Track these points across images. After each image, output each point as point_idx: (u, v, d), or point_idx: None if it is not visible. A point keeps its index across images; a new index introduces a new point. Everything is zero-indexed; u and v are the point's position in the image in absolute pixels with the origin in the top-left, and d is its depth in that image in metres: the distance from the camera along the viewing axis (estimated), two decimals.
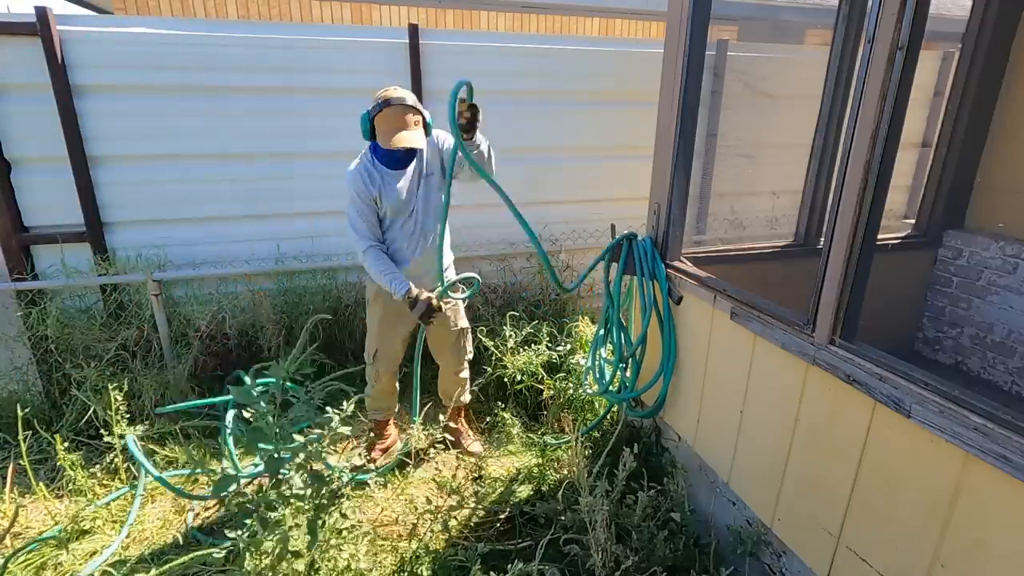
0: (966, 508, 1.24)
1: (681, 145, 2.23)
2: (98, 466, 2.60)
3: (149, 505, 2.50)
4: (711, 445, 2.20)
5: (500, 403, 3.15)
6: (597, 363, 2.64)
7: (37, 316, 2.94)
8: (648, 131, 2.44)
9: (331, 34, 3.24)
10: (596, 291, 3.96)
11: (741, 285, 1.99)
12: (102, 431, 2.53)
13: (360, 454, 2.83)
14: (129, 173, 3.11)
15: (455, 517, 2.26)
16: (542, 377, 3.09)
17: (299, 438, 1.72)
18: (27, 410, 2.53)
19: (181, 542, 2.20)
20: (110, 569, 2.06)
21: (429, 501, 2.33)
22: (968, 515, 1.24)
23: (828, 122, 2.62)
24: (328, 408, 1.86)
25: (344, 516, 1.86)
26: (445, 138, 2.46)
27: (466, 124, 2.17)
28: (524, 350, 3.17)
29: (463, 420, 2.96)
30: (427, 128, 2.34)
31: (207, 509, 2.48)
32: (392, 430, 2.88)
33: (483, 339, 3.23)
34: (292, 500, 1.72)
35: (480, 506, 2.37)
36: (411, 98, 2.26)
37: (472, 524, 2.32)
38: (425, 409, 2.74)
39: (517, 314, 3.41)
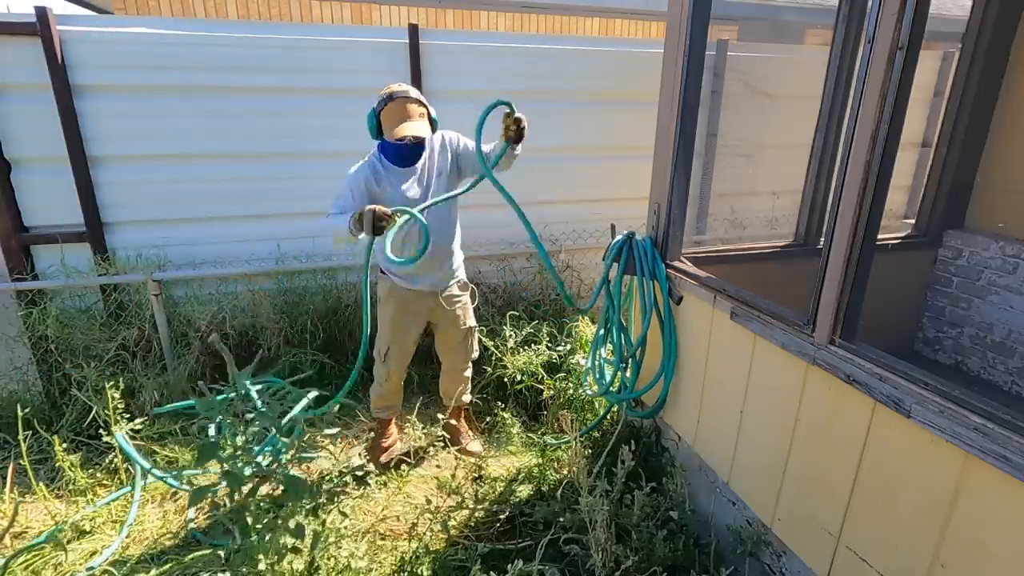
0: (966, 508, 1.24)
1: (681, 145, 2.23)
2: (98, 466, 2.60)
3: (149, 505, 2.50)
4: (711, 445, 2.20)
5: (500, 403, 3.16)
6: (597, 363, 2.64)
7: (37, 316, 2.94)
8: (648, 131, 2.44)
9: (331, 34, 3.24)
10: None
11: (741, 285, 1.99)
12: (102, 431, 2.53)
13: (360, 454, 2.83)
14: (129, 173, 3.11)
15: (455, 517, 2.26)
16: (542, 377, 3.09)
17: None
18: (27, 410, 2.53)
19: (181, 542, 2.19)
20: (110, 569, 2.06)
21: (429, 501, 2.33)
22: (968, 515, 1.24)
23: (828, 122, 2.62)
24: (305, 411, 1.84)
25: (343, 514, 1.86)
26: (459, 140, 2.47)
27: (514, 136, 2.19)
28: (524, 350, 3.17)
29: (463, 420, 2.96)
30: (433, 124, 2.34)
31: (206, 511, 2.48)
32: (393, 429, 2.88)
33: (483, 339, 3.23)
34: (277, 501, 1.71)
35: (480, 506, 2.37)
36: (415, 92, 2.28)
37: (472, 524, 2.32)
38: (417, 407, 2.74)
39: (517, 314, 3.41)
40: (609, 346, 2.55)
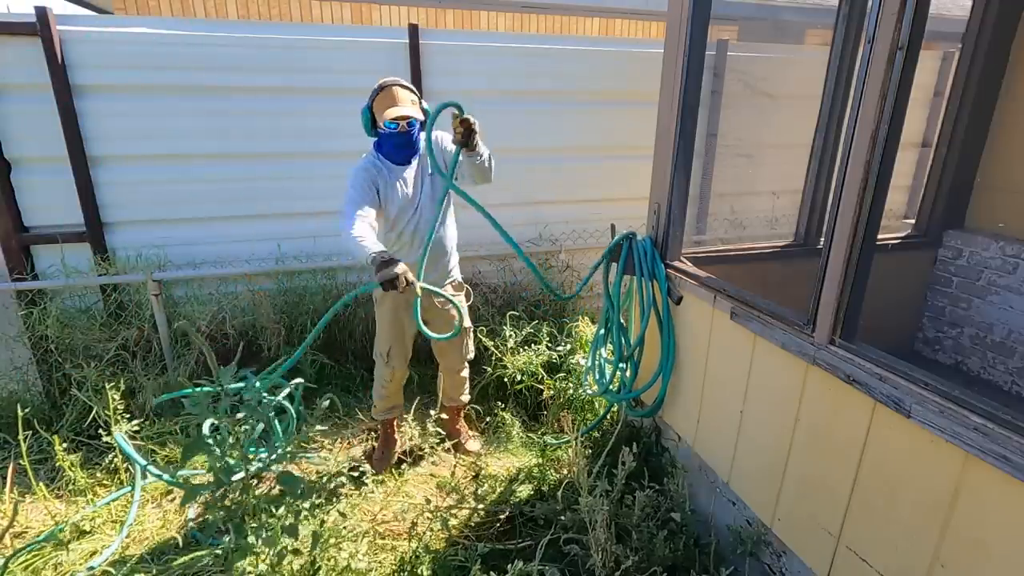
0: (966, 508, 1.24)
1: (681, 145, 2.23)
2: (98, 466, 2.60)
3: (149, 505, 2.50)
4: (711, 445, 2.20)
5: (500, 403, 3.16)
6: (597, 363, 2.64)
7: (37, 316, 2.94)
8: (648, 131, 2.44)
9: (331, 34, 3.24)
10: (596, 291, 3.94)
11: (741, 285, 1.99)
12: (102, 431, 2.53)
13: (360, 455, 2.83)
14: (129, 173, 3.11)
15: (455, 516, 2.26)
16: (542, 377, 3.09)
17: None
18: (27, 410, 2.53)
19: (181, 542, 2.19)
20: (110, 569, 2.06)
21: (428, 500, 2.33)
22: (968, 515, 1.24)
23: (828, 122, 2.62)
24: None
25: (343, 515, 1.86)
26: (443, 141, 2.45)
27: (462, 139, 2.15)
28: (524, 350, 3.17)
29: (461, 419, 2.96)
30: (425, 113, 2.35)
31: (207, 511, 2.48)
32: (395, 429, 2.88)
33: (483, 339, 3.23)
34: (274, 501, 1.71)
35: (480, 506, 2.37)
36: (404, 81, 2.31)
37: (472, 524, 2.31)
38: (415, 407, 2.73)
39: (517, 314, 3.41)
40: (609, 346, 2.55)
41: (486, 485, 2.52)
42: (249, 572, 1.68)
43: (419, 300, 2.34)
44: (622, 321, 2.47)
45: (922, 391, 1.31)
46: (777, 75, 3.98)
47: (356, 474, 2.37)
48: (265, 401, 1.74)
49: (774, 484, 1.82)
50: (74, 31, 2.85)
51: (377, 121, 2.28)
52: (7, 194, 2.92)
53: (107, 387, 2.53)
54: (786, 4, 7.03)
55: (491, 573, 1.82)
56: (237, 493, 1.68)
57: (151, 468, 2.23)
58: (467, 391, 2.90)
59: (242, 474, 1.66)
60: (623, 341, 2.43)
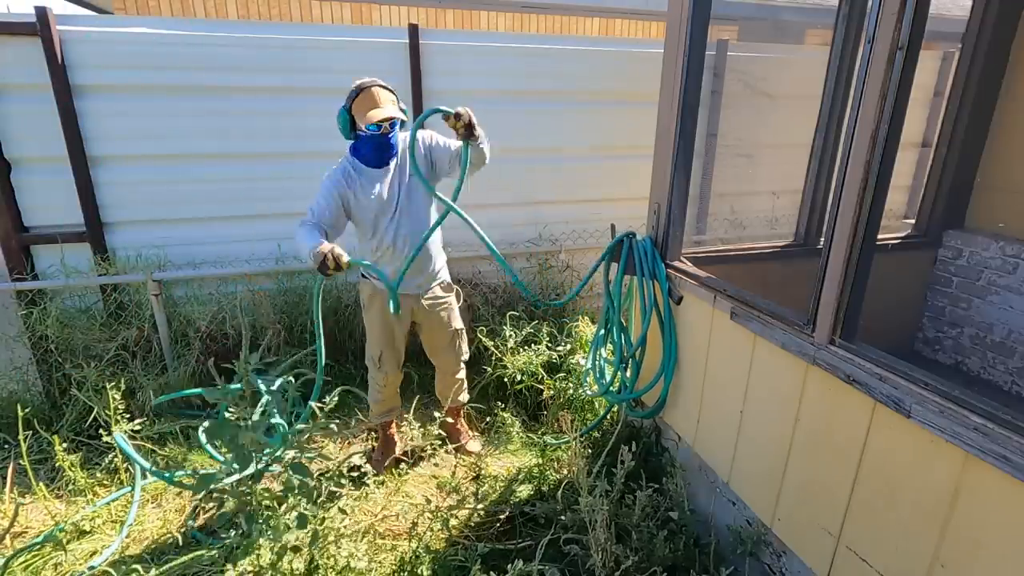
0: (966, 508, 1.24)
1: (681, 145, 2.23)
2: (98, 466, 2.60)
3: (149, 505, 2.50)
4: (711, 445, 2.20)
5: (500, 403, 3.16)
6: (597, 363, 2.64)
7: (37, 316, 2.94)
8: (648, 131, 2.44)
9: (331, 34, 3.24)
10: (596, 291, 3.95)
11: (741, 285, 1.99)
12: (102, 431, 2.53)
13: (362, 455, 2.83)
14: (129, 173, 3.11)
15: (455, 516, 2.26)
16: (542, 377, 3.09)
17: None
18: (27, 410, 2.53)
19: (181, 542, 2.19)
20: (110, 569, 2.06)
21: (428, 500, 2.33)
22: (968, 515, 1.24)
23: (828, 122, 2.62)
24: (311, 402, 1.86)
25: (343, 512, 1.86)
26: (432, 138, 2.42)
27: (465, 134, 2.18)
28: (524, 350, 3.17)
29: (461, 419, 2.96)
30: (404, 113, 2.32)
31: (207, 511, 2.48)
32: (393, 429, 2.88)
33: (483, 339, 3.23)
34: (279, 496, 1.72)
35: (480, 506, 2.37)
36: (382, 81, 2.26)
37: (472, 524, 2.32)
38: (415, 406, 2.73)
39: (517, 314, 3.41)
40: (609, 346, 2.55)
41: (486, 485, 2.52)
42: (249, 572, 1.68)
43: (392, 301, 2.27)
44: (622, 321, 2.47)
45: (922, 391, 1.31)
46: (777, 75, 3.98)
47: (357, 474, 2.37)
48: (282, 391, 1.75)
49: (774, 484, 1.82)
50: (74, 31, 2.85)
51: (357, 124, 2.22)
52: (7, 194, 2.92)
53: (107, 387, 2.54)
54: (786, 4, 7.03)
55: (491, 573, 1.82)
56: (250, 483, 1.69)
57: (151, 469, 2.23)
58: (465, 391, 2.89)
59: (259, 463, 1.68)
60: (623, 341, 2.43)
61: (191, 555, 2.06)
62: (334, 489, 1.99)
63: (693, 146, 2.26)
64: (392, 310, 2.25)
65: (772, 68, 4.03)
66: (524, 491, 2.51)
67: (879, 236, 1.54)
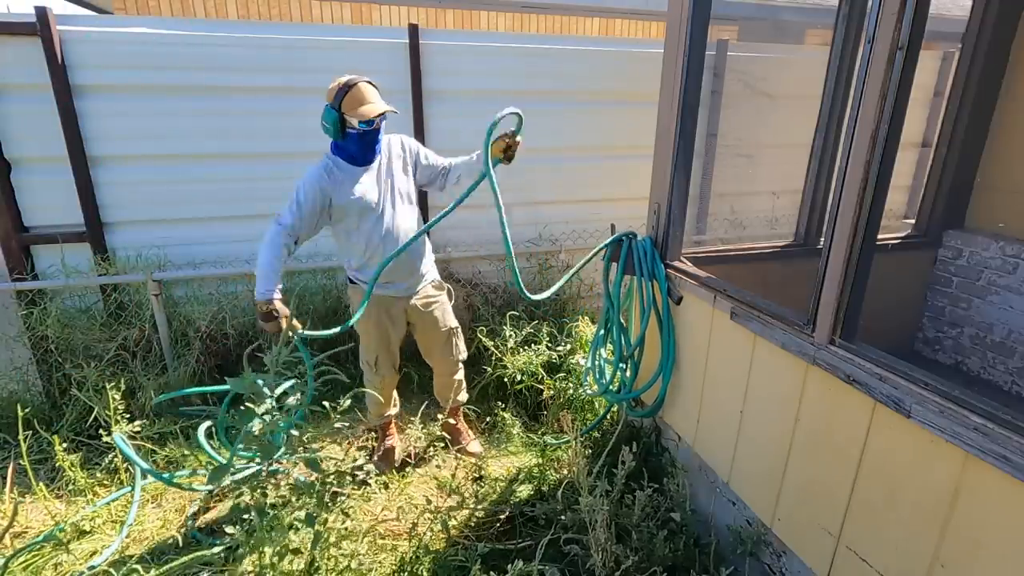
0: (966, 508, 1.24)
1: (681, 145, 2.23)
2: (98, 466, 2.60)
3: (149, 505, 2.50)
4: (711, 445, 2.20)
5: (500, 403, 3.16)
6: (597, 363, 2.64)
7: (37, 316, 2.94)
8: (648, 131, 2.44)
9: (331, 34, 3.24)
10: (596, 291, 3.96)
11: (741, 285, 1.99)
12: (102, 431, 2.53)
13: (363, 455, 2.83)
14: (129, 173, 3.11)
15: (455, 517, 2.26)
16: (542, 377, 3.09)
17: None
18: (27, 410, 2.53)
19: (181, 542, 2.19)
20: (110, 569, 2.06)
21: (429, 501, 2.33)
22: (968, 515, 1.24)
23: (828, 122, 2.62)
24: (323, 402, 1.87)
25: (346, 514, 1.87)
26: (419, 150, 2.49)
27: (506, 157, 2.30)
28: (524, 350, 3.17)
29: (461, 420, 2.96)
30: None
31: (207, 511, 2.48)
32: (394, 430, 2.88)
33: (483, 339, 3.23)
34: (290, 491, 1.72)
35: (480, 506, 2.37)
36: (366, 78, 2.27)
37: (472, 524, 2.32)
38: (422, 408, 2.74)
39: (517, 314, 3.41)
40: (609, 346, 2.55)
41: (486, 485, 2.52)
42: (251, 572, 1.68)
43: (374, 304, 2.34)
44: (622, 321, 2.47)
45: (922, 391, 1.31)
46: (777, 75, 3.98)
47: (359, 474, 2.37)
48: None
49: (774, 484, 1.83)
50: (74, 31, 2.85)
51: (348, 122, 2.19)
52: (7, 194, 2.92)
53: (107, 387, 2.54)
54: (786, 4, 7.03)
55: (491, 573, 1.83)
56: (264, 476, 1.70)
57: (151, 470, 2.24)
58: (464, 391, 2.88)
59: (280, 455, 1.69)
60: (623, 341, 2.43)
61: (191, 555, 2.06)
62: (337, 490, 1.99)
63: (693, 146, 2.26)
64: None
65: (772, 68, 4.03)
66: (524, 491, 2.51)
67: (879, 236, 1.54)
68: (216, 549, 1.96)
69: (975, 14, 2.69)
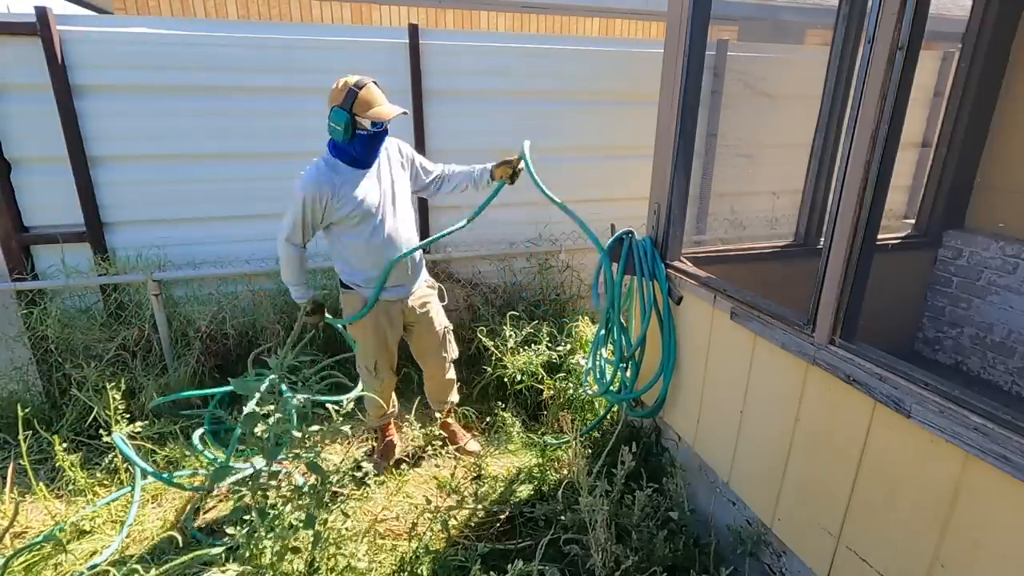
0: (966, 508, 1.24)
1: (681, 145, 2.23)
2: (98, 466, 2.60)
3: (149, 505, 2.50)
4: (711, 445, 2.20)
5: (500, 403, 3.16)
6: (598, 363, 2.64)
7: (37, 316, 2.94)
8: (648, 131, 2.44)
9: (331, 34, 3.24)
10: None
11: (741, 285, 1.99)
12: (102, 431, 2.53)
13: (363, 455, 2.83)
14: (129, 173, 3.11)
15: (455, 517, 2.26)
16: (542, 377, 3.09)
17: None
18: (27, 410, 2.53)
19: (181, 542, 2.19)
20: (110, 569, 2.06)
21: (429, 501, 2.33)
22: (968, 515, 1.24)
23: (828, 122, 2.62)
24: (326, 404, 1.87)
25: (345, 515, 1.87)
26: (416, 158, 2.53)
27: (511, 180, 2.56)
28: (524, 350, 3.17)
29: (454, 421, 2.96)
30: None
31: (207, 511, 2.48)
32: (393, 430, 2.88)
33: (483, 339, 3.23)
34: (291, 492, 1.72)
35: (480, 506, 2.37)
36: (372, 78, 2.27)
37: (472, 524, 2.32)
38: (415, 407, 2.73)
39: (517, 314, 3.41)
40: (609, 346, 2.55)
41: (486, 485, 2.52)
42: (250, 572, 1.68)
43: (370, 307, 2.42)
44: (622, 321, 2.47)
45: (922, 391, 1.31)
46: (777, 75, 3.98)
47: (358, 474, 2.37)
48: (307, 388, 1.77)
49: (774, 484, 1.83)
50: (74, 31, 2.85)
51: (359, 123, 2.17)
52: (7, 194, 2.92)
53: (107, 387, 2.54)
54: (786, 4, 7.03)
55: (491, 573, 1.83)
56: (266, 477, 1.70)
57: (151, 471, 2.24)
58: (455, 391, 2.88)
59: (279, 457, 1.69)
60: (624, 341, 2.43)
61: (191, 555, 2.06)
62: (337, 490, 1.99)
63: (693, 146, 2.26)
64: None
65: (772, 68, 4.03)
66: (524, 491, 2.51)
67: (879, 236, 1.54)
68: (217, 550, 1.96)
69: (975, 14, 2.69)
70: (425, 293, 2.60)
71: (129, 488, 2.50)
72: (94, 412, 2.67)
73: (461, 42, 3.45)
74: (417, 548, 2.09)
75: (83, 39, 2.87)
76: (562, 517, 2.13)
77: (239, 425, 1.67)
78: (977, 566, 1.23)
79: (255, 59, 3.12)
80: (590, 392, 2.89)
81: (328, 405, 1.99)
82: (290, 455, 1.74)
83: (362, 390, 2.67)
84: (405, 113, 2.28)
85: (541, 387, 3.09)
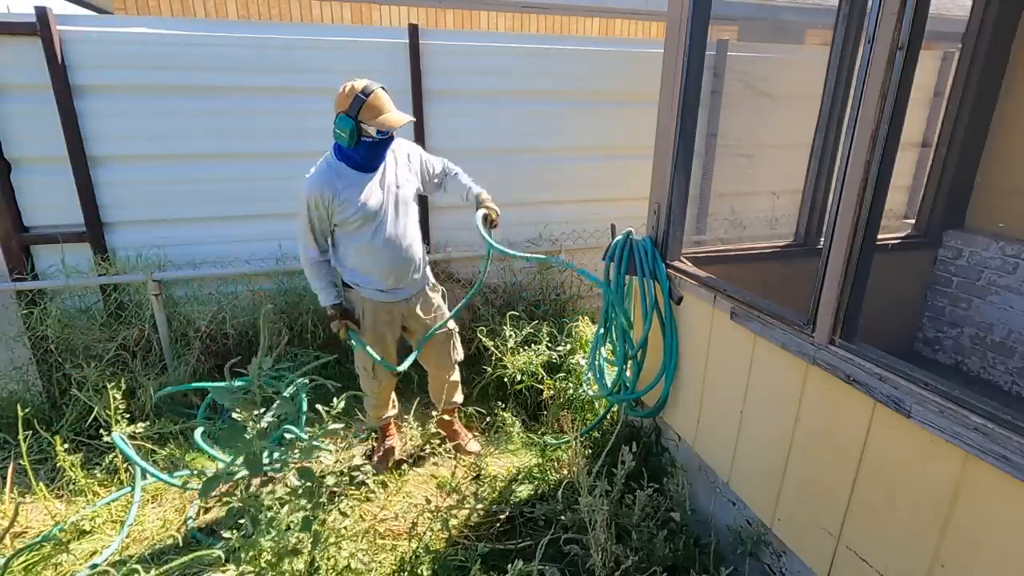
0: (966, 508, 1.24)
1: (681, 145, 2.23)
2: (98, 466, 2.60)
3: (149, 505, 2.50)
4: (711, 445, 2.20)
5: (500, 403, 3.16)
6: (598, 363, 2.64)
7: (37, 316, 2.94)
8: (648, 131, 2.44)
9: (331, 34, 3.24)
10: (596, 291, 3.95)
11: (741, 285, 1.99)
12: (102, 431, 2.53)
13: (363, 455, 2.83)
14: (129, 173, 3.11)
15: (455, 517, 2.26)
16: (542, 377, 3.09)
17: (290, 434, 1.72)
18: (27, 410, 2.53)
19: (181, 542, 2.19)
20: (110, 569, 2.06)
21: (428, 500, 2.33)
22: (968, 515, 1.24)
23: (828, 122, 2.62)
24: (316, 404, 1.87)
25: (344, 514, 1.87)
26: (425, 161, 2.51)
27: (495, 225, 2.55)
28: (524, 350, 3.17)
29: (458, 420, 2.96)
30: None
31: (207, 511, 2.48)
32: (393, 430, 2.88)
33: (483, 339, 3.23)
34: (283, 499, 1.72)
35: (480, 506, 2.37)
36: (379, 84, 2.25)
37: (472, 524, 2.32)
38: (415, 407, 2.73)
39: (517, 314, 3.41)
40: (609, 346, 2.55)
41: (486, 485, 2.52)
42: (250, 572, 1.68)
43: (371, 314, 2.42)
44: (624, 322, 2.47)
45: (922, 391, 1.31)
46: (777, 75, 3.98)
47: (358, 474, 2.37)
48: (291, 394, 1.76)
49: (774, 484, 1.83)
50: (74, 31, 2.85)
51: (364, 130, 2.16)
52: (7, 194, 2.92)
53: (107, 387, 2.54)
54: (786, 4, 7.03)
55: (491, 573, 1.83)
56: (256, 484, 1.69)
57: (151, 470, 2.24)
58: (459, 392, 2.88)
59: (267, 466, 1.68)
60: (624, 341, 2.43)
61: (191, 555, 2.06)
62: (335, 490, 1.99)
63: (693, 146, 2.26)
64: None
65: (772, 68, 4.03)
66: (524, 491, 2.51)
67: (879, 236, 1.53)
68: (216, 551, 1.96)
69: (975, 14, 2.69)
70: (429, 297, 2.61)
71: (129, 488, 2.50)
72: (94, 412, 2.67)
73: (461, 42, 3.45)
74: (417, 548, 2.09)
75: (83, 39, 2.87)
76: (562, 517, 2.13)
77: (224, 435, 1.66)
78: (977, 566, 1.23)
79: (255, 59, 3.12)
80: (591, 392, 2.89)
81: (318, 407, 1.99)
82: (282, 462, 1.74)
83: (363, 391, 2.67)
84: (412, 120, 2.26)
85: (541, 387, 3.09)
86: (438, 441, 2.72)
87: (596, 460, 2.36)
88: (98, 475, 2.55)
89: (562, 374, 3.12)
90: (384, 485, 2.57)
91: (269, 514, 1.69)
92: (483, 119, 3.57)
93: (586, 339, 3.34)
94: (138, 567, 1.80)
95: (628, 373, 2.47)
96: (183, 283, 3.25)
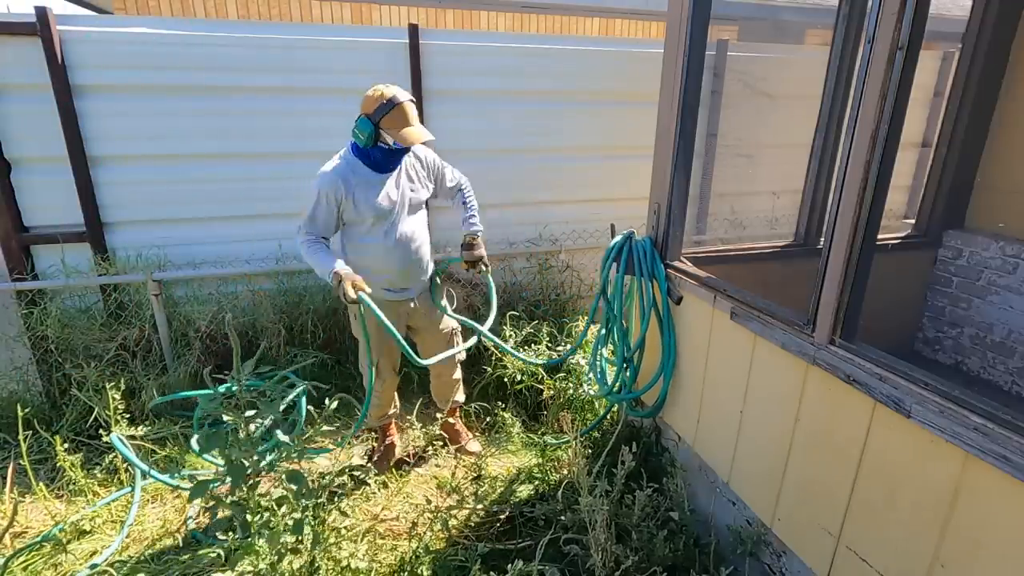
0: (966, 508, 1.24)
1: (681, 145, 2.23)
2: (98, 466, 2.60)
3: (149, 505, 2.50)
4: (711, 445, 2.20)
5: (500, 403, 3.16)
6: (598, 363, 2.64)
7: (37, 316, 2.94)
8: (648, 131, 2.44)
9: (331, 34, 3.24)
10: (597, 291, 3.95)
11: (741, 285, 1.99)
12: (102, 431, 2.53)
13: (362, 455, 2.83)
14: (129, 173, 3.11)
15: (455, 517, 2.26)
16: (542, 377, 3.09)
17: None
18: (27, 410, 2.53)
19: (181, 542, 2.19)
20: (110, 569, 2.06)
21: (429, 500, 2.33)
22: (968, 515, 1.24)
23: (828, 122, 2.62)
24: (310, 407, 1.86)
25: (344, 514, 1.87)
26: (441, 169, 2.52)
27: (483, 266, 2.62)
28: (524, 350, 3.17)
29: (459, 420, 2.96)
30: None
31: (207, 511, 2.48)
32: (394, 430, 2.88)
33: (483, 339, 3.22)
34: (279, 500, 1.72)
35: (480, 506, 2.37)
36: (409, 95, 2.24)
37: (472, 524, 2.32)
38: (416, 408, 2.74)
39: (517, 314, 3.41)
40: (610, 346, 2.55)
41: (486, 485, 2.52)
42: (249, 572, 1.68)
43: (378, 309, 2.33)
44: (623, 321, 2.47)
45: (922, 391, 1.31)
46: (777, 75, 3.98)
47: (358, 474, 2.37)
48: (277, 398, 1.75)
49: (774, 484, 1.83)
50: (74, 31, 2.85)
51: (383, 137, 2.17)
52: (7, 194, 2.92)
53: (107, 387, 2.53)
54: (786, 4, 7.03)
55: (491, 573, 1.83)
56: (245, 490, 1.68)
57: (149, 471, 2.23)
58: (461, 391, 2.88)
59: (250, 471, 1.67)
60: (624, 342, 2.43)
61: (191, 555, 2.06)
62: (335, 490, 1.99)
63: (693, 146, 2.26)
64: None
65: (772, 68, 4.03)
66: (524, 491, 2.51)
67: (879, 236, 1.54)
68: (215, 552, 1.96)
69: (975, 14, 2.69)
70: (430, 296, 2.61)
71: (129, 488, 2.50)
72: (94, 412, 2.67)
73: (461, 42, 3.45)
74: (417, 548, 2.09)
75: (83, 39, 2.87)
76: (562, 517, 2.13)
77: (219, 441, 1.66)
78: (977, 566, 1.23)
79: (255, 59, 3.12)
80: (591, 392, 2.89)
81: (310, 408, 1.99)
82: (273, 465, 1.74)
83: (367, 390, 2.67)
84: (432, 139, 2.25)
85: (541, 387, 3.09)
86: (440, 442, 2.72)
87: (596, 460, 2.36)
88: (98, 475, 2.55)
89: (562, 374, 3.12)
90: (384, 485, 2.57)
91: (264, 517, 1.69)
92: (483, 119, 3.57)
93: (586, 339, 3.33)
94: (138, 567, 1.80)
95: (627, 373, 2.47)
96: (183, 283, 3.25)
